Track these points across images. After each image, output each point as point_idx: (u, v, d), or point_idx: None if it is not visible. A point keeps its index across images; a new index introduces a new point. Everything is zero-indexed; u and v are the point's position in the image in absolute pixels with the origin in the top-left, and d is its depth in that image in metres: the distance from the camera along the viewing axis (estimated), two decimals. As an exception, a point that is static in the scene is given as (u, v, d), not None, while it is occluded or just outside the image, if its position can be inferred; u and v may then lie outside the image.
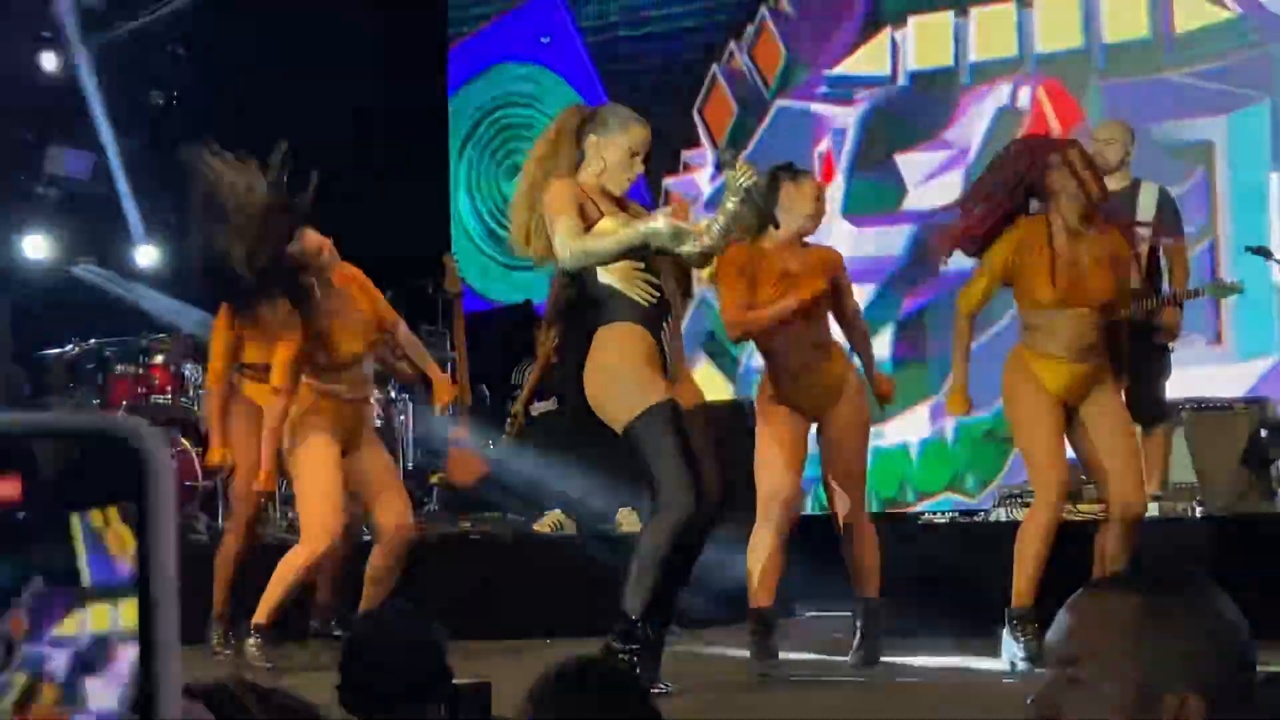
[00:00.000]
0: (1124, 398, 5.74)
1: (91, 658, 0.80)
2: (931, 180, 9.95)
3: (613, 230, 4.79)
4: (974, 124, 9.85)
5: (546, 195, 4.88)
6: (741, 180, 4.73)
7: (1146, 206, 7.28)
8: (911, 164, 10.01)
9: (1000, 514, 7.03)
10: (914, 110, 10.08)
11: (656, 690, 4.67)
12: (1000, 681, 5.42)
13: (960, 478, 9.59)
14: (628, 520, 8.17)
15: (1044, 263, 5.48)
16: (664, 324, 4.89)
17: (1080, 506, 6.69)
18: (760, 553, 5.75)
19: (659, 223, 4.73)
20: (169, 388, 8.39)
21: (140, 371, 8.43)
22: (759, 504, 5.79)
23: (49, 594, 0.80)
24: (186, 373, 8.36)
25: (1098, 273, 5.49)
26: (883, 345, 9.71)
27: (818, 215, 5.81)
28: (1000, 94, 9.82)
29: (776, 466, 5.76)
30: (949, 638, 6.35)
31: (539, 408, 8.52)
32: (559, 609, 7.50)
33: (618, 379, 4.83)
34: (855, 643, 5.70)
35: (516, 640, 7.10)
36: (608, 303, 4.90)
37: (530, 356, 8.65)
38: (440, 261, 8.95)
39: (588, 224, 4.80)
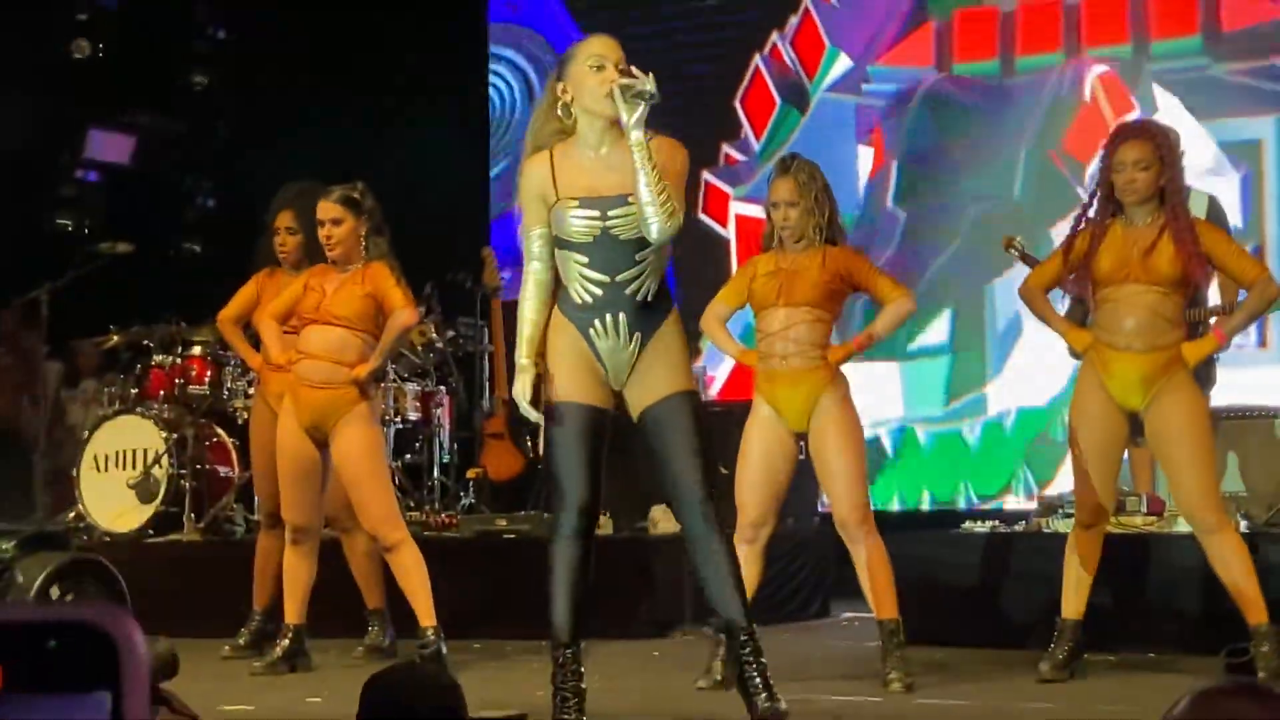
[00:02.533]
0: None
1: None
2: (985, 170, 9.87)
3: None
4: (1029, 114, 9.75)
5: (519, 184, 4.66)
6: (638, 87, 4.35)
7: (1195, 215, 7.18)
8: (965, 153, 9.92)
9: (1045, 523, 6.94)
10: (965, 100, 9.98)
11: None
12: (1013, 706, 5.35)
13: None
14: (664, 518, 8.12)
15: (1107, 243, 5.46)
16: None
17: (1121, 519, 6.61)
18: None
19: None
20: (206, 378, 8.36)
21: (178, 362, 8.41)
22: None
23: None
24: (225, 364, 8.33)
25: (1158, 255, 5.41)
26: (940, 332, 9.67)
27: (780, 217, 5.68)
28: (1054, 84, 9.71)
29: (742, 479, 5.72)
30: (982, 648, 6.31)
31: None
32: (595, 609, 7.44)
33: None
34: (882, 665, 5.61)
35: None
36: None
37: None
38: (480, 256, 8.94)
39: (550, 205, 4.50)
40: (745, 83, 10.57)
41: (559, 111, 4.57)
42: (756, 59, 10.55)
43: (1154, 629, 6.37)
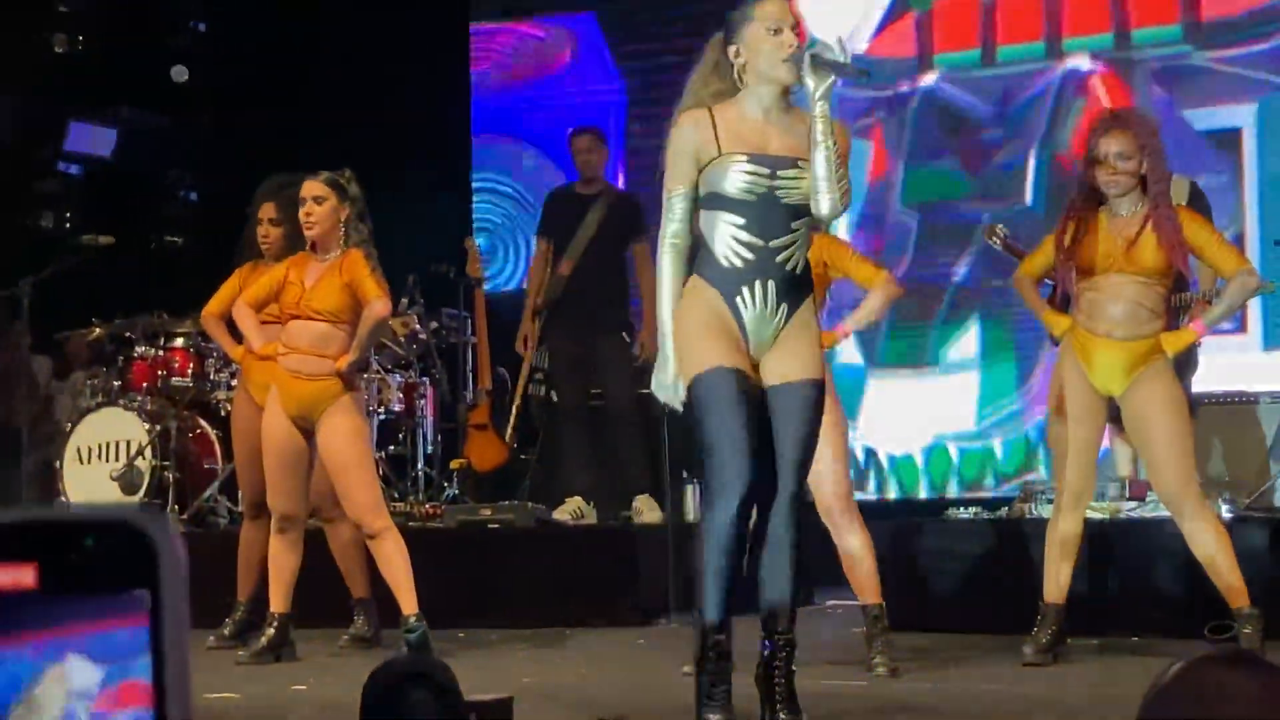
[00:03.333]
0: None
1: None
2: (993, 173, 9.86)
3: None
4: (1034, 115, 9.75)
5: (669, 143, 4.36)
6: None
7: (1177, 202, 7.20)
8: (972, 156, 9.90)
9: (1027, 509, 6.97)
10: (963, 101, 9.97)
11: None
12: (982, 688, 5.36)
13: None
14: (647, 507, 8.14)
15: (1091, 233, 5.48)
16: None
17: (1103, 504, 6.64)
18: None
19: None
20: (189, 370, 8.35)
21: (160, 353, 8.40)
22: None
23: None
24: (208, 356, 8.32)
25: (1141, 245, 5.43)
26: (970, 343, 9.63)
27: None
28: (1054, 84, 9.70)
29: None
30: (968, 634, 6.33)
31: (533, 391, 8.52)
32: (579, 598, 7.48)
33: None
34: (866, 650, 5.62)
35: (538, 630, 7.07)
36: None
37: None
38: (463, 245, 8.94)
39: (705, 164, 4.27)
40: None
41: (725, 73, 4.37)
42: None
43: (1136, 613, 6.40)
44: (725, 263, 4.27)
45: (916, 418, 9.78)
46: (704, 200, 4.33)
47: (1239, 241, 8.65)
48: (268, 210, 6.75)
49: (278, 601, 6.29)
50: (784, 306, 4.28)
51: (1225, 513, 6.77)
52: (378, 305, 6.09)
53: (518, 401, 8.59)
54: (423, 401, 8.71)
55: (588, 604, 7.45)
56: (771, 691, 4.35)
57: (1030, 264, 5.74)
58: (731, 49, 4.36)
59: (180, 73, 11.00)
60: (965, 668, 5.75)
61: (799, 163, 4.28)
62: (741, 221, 4.26)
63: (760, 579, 4.38)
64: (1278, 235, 8.00)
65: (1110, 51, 9.63)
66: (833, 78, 4.23)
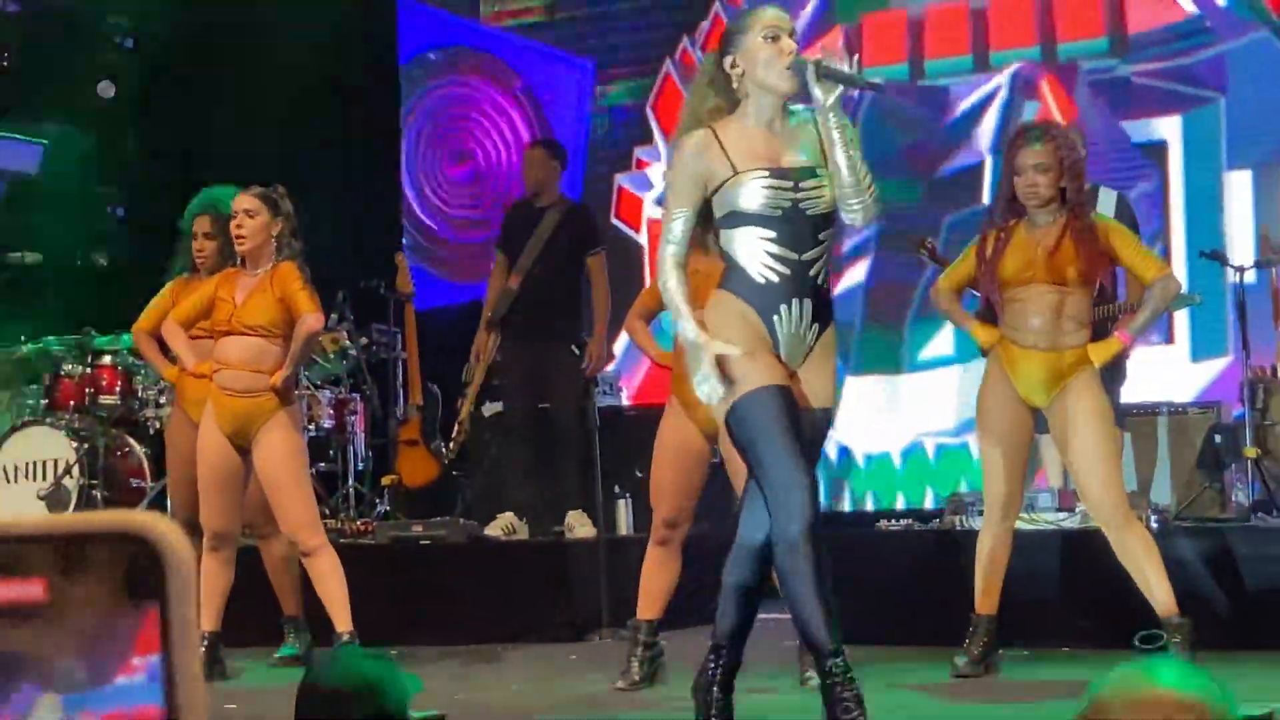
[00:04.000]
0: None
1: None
2: (948, 176, 9.87)
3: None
4: (983, 114, 9.77)
5: (671, 167, 4.32)
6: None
7: (1104, 212, 7.26)
8: (925, 163, 9.92)
9: (957, 521, 7.00)
10: (911, 109, 10.00)
11: None
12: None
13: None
14: (580, 523, 8.12)
15: (1012, 244, 5.50)
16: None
17: (1032, 514, 6.68)
18: (646, 565, 5.73)
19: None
20: (117, 388, 8.28)
21: (88, 371, 8.32)
22: None
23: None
24: (136, 374, 8.25)
25: (1061, 255, 5.47)
26: (944, 344, 9.60)
27: None
28: (1003, 90, 9.73)
29: (655, 478, 5.74)
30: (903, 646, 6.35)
31: (490, 408, 8.46)
32: (512, 614, 7.46)
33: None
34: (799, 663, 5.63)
35: (471, 646, 7.05)
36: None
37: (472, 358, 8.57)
38: (393, 260, 8.90)
39: (717, 185, 4.19)
40: (656, 88, 10.59)
41: (722, 88, 4.29)
42: (667, 64, 10.57)
43: (1067, 623, 6.44)
44: (761, 279, 4.18)
45: (894, 419, 9.78)
46: (723, 220, 4.23)
47: (1167, 253, 8.73)
48: (202, 224, 6.71)
49: (208, 620, 6.24)
50: (815, 327, 4.23)
51: (1153, 523, 6.83)
52: (310, 319, 6.06)
53: (463, 416, 8.44)
54: (353, 418, 8.67)
55: (520, 620, 7.43)
56: (836, 706, 4.21)
57: (950, 276, 5.77)
58: (728, 60, 4.29)
59: (107, 88, 10.91)
60: (898, 680, 5.76)
61: (817, 170, 4.22)
62: (772, 235, 4.17)
63: (793, 611, 4.26)
64: (1204, 247, 8.07)
65: (1036, 64, 9.69)
66: (840, 88, 4.16)
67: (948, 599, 6.34)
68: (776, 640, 6.61)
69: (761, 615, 7.63)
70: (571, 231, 8.05)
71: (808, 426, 4.19)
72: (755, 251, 4.19)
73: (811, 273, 4.20)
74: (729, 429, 4.22)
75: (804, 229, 4.19)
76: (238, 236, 6.12)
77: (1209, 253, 7.88)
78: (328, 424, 8.55)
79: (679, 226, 4.24)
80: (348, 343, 8.69)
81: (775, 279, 4.17)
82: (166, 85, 10.61)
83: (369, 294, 8.98)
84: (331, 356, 8.63)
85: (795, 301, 4.18)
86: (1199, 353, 8.85)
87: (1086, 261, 5.48)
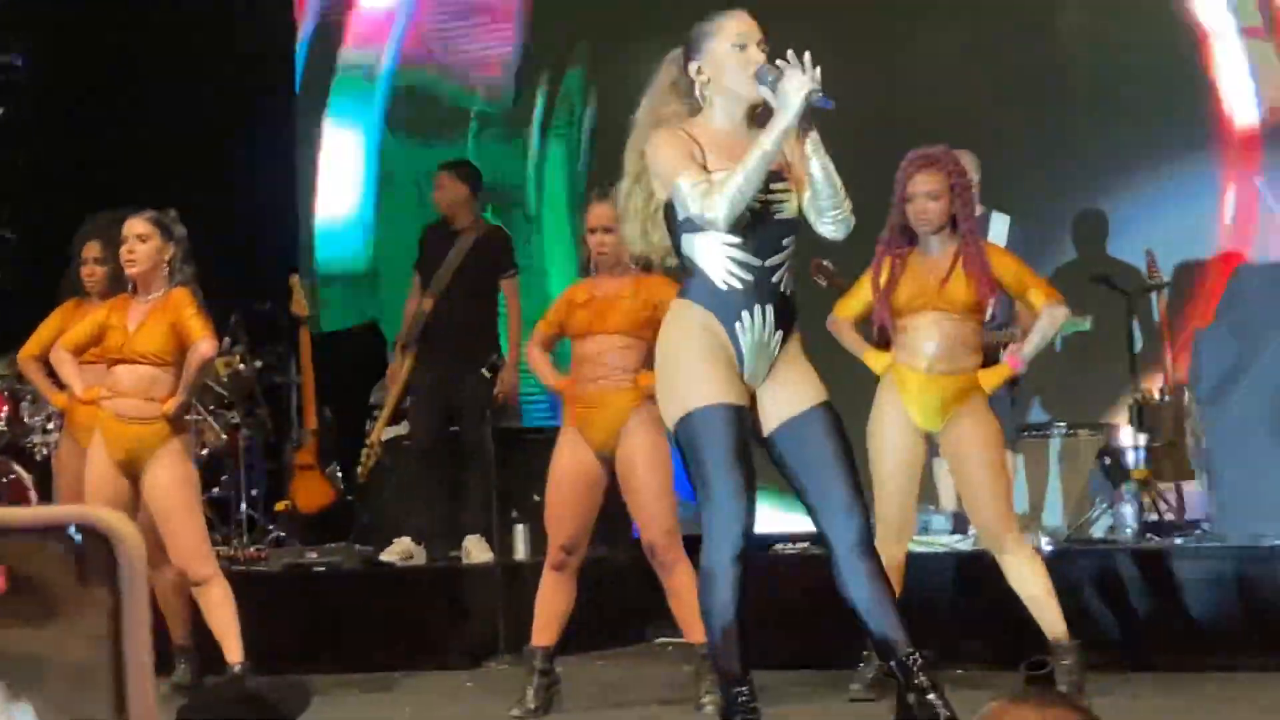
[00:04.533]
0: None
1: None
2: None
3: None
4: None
5: (651, 156, 4.20)
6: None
7: (996, 237, 7.35)
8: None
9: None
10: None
11: None
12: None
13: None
14: (477, 548, 8.09)
15: (905, 271, 5.55)
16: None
17: (925, 537, 6.74)
18: (541, 590, 5.74)
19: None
20: (3, 413, 8.15)
21: (-25, 397, 8.19)
22: None
23: None
24: (23, 399, 8.13)
25: (953, 282, 5.52)
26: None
27: (597, 243, 5.72)
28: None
29: (551, 503, 5.75)
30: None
31: (390, 431, 8.40)
32: (409, 641, 7.41)
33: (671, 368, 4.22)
34: (695, 688, 5.64)
35: (367, 675, 7.00)
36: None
37: (382, 379, 8.51)
38: (287, 284, 8.81)
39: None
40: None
41: (684, 92, 4.24)
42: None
43: (960, 645, 6.47)
44: (724, 285, 4.15)
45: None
46: (686, 224, 4.16)
47: (1059, 279, 8.82)
48: (92, 249, 6.66)
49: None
50: (779, 333, 4.19)
51: (1045, 545, 6.91)
52: (203, 345, 6.00)
53: (374, 439, 8.36)
54: (246, 442, 8.59)
55: (417, 647, 7.39)
56: (922, 702, 4.21)
57: (846, 306, 5.80)
58: (693, 65, 4.24)
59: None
60: (794, 704, 5.79)
61: (783, 175, 4.19)
62: (737, 240, 4.13)
63: (861, 614, 4.29)
64: (1094, 272, 8.17)
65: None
66: (801, 103, 4.06)
67: (843, 622, 6.36)
68: (676, 665, 6.64)
69: (660, 640, 7.75)
70: (485, 254, 8.01)
71: (805, 431, 4.18)
72: (719, 257, 4.16)
73: (774, 279, 4.18)
74: (677, 437, 4.21)
75: (769, 234, 4.17)
76: (129, 261, 6.04)
77: (1098, 277, 7.99)
78: (220, 448, 8.47)
79: (691, 180, 4.10)
80: (241, 366, 8.61)
81: (739, 285, 4.15)
82: (57, 107, 10.47)
83: (263, 317, 8.90)
84: (224, 379, 8.55)
85: (758, 308, 4.16)
86: (1090, 374, 8.95)
87: (977, 289, 5.54)
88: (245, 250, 9.62)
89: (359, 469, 8.37)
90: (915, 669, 4.22)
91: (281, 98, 10.81)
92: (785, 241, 4.19)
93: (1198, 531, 7.17)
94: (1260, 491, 6.89)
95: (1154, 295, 7.90)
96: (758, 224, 4.14)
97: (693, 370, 4.14)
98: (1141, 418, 7.69)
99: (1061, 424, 8.08)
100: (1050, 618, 5.60)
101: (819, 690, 6.00)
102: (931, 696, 4.20)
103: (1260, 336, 7.02)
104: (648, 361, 5.75)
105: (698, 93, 4.25)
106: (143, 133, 9.96)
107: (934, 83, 8.92)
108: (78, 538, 0.83)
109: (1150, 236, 8.40)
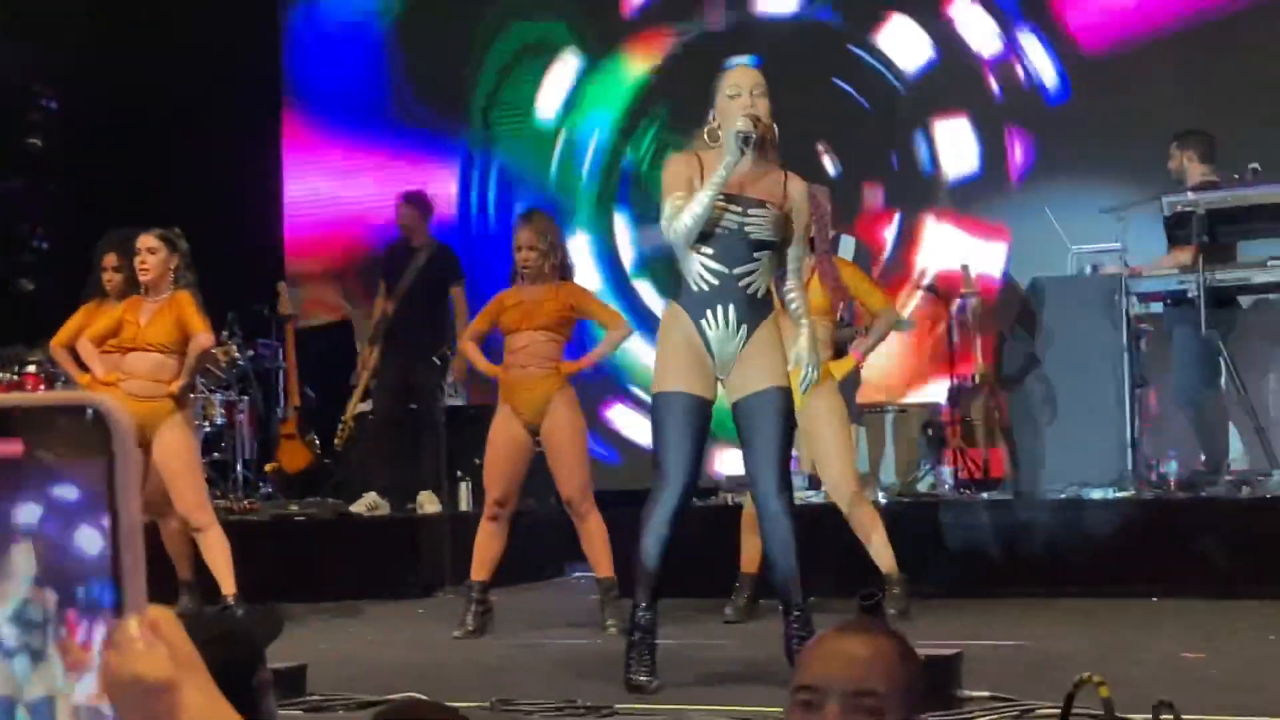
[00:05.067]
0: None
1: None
2: None
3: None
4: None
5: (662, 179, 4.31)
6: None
7: (844, 253, 7.41)
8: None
9: (730, 497, 7.08)
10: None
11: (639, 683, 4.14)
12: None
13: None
14: (429, 500, 8.07)
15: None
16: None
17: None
18: (479, 536, 5.72)
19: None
20: (41, 391, 8.02)
21: (15, 378, 8.04)
22: None
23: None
24: (56, 381, 8.00)
25: (811, 290, 5.56)
26: None
27: (523, 258, 5.71)
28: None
29: (488, 466, 5.74)
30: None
31: (364, 406, 8.40)
32: (372, 576, 7.38)
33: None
34: (601, 614, 5.65)
35: (338, 603, 6.96)
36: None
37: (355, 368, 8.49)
38: (276, 289, 8.78)
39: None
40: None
41: (712, 134, 4.23)
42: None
43: (814, 580, 6.48)
44: (695, 288, 4.14)
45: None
46: None
47: (894, 285, 8.89)
48: (110, 259, 6.61)
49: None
50: (744, 327, 4.13)
51: (881, 499, 6.99)
52: (203, 337, 5.97)
53: (348, 414, 8.39)
54: (241, 416, 8.53)
55: (379, 581, 7.36)
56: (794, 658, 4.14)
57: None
58: (711, 114, 4.28)
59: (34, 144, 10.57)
60: (680, 625, 5.78)
61: (766, 204, 4.18)
62: (710, 251, 4.12)
63: (769, 561, 4.27)
64: (921, 282, 8.25)
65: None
66: (736, 151, 4.10)
67: (721, 559, 6.40)
68: (585, 594, 6.65)
69: (575, 575, 7.75)
70: (438, 267, 8.11)
71: (755, 406, 4.13)
72: (694, 264, 4.16)
73: (741, 284, 4.14)
74: (651, 412, 4.23)
75: (740, 248, 4.14)
76: (142, 270, 6.01)
77: (926, 285, 8.06)
78: (220, 421, 8.42)
79: (674, 204, 4.19)
80: (237, 355, 8.56)
81: (706, 288, 4.13)
82: (83, 142, 10.30)
83: (256, 315, 8.86)
84: (224, 366, 8.50)
85: (720, 307, 4.12)
86: (916, 363, 9.04)
87: (830, 295, 5.59)
88: (242, 261, 9.53)
89: (335, 438, 8.39)
90: (798, 628, 4.24)
91: (273, 130, 10.71)
92: (757, 255, 4.17)
93: (1001, 487, 7.26)
94: (1051, 456, 7.01)
95: (968, 300, 7.99)
96: (730, 239, 4.14)
97: (664, 361, 4.17)
98: (957, 397, 7.77)
99: (894, 402, 8.16)
100: (885, 556, 5.66)
101: (701, 614, 6.02)
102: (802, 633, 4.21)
103: (1049, 335, 7.13)
104: (567, 353, 5.81)
105: (712, 133, 4.30)
106: (156, 159, 9.82)
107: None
108: (90, 414, 0.84)
109: (965, 253, 8.49)
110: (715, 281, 4.13)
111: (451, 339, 8.00)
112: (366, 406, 8.32)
